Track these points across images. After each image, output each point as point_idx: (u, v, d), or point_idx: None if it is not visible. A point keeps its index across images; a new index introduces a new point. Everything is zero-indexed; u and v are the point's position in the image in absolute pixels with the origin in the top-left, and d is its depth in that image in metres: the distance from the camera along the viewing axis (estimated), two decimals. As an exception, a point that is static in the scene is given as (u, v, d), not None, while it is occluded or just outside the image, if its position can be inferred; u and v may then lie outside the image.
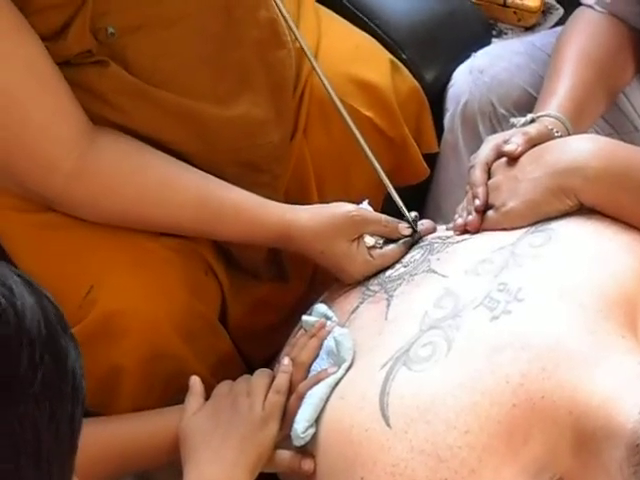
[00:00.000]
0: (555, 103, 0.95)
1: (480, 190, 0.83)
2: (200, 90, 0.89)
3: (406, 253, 0.86)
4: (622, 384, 0.57)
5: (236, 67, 0.92)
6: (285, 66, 0.97)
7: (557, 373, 0.59)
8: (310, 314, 0.84)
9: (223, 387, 0.80)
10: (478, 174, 0.85)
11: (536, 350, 0.61)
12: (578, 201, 0.76)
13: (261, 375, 0.79)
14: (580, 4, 1.09)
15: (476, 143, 1.15)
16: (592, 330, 0.62)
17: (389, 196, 1.05)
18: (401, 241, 0.88)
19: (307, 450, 0.71)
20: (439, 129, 1.17)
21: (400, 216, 0.91)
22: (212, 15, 0.89)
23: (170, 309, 0.84)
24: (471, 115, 1.13)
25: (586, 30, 1.04)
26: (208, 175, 0.87)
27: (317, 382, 0.73)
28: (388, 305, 0.75)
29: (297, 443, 0.72)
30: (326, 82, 0.94)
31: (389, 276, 0.80)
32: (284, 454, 0.73)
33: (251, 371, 0.90)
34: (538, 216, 0.77)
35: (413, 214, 0.90)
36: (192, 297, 0.88)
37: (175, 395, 0.85)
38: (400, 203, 0.92)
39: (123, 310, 0.81)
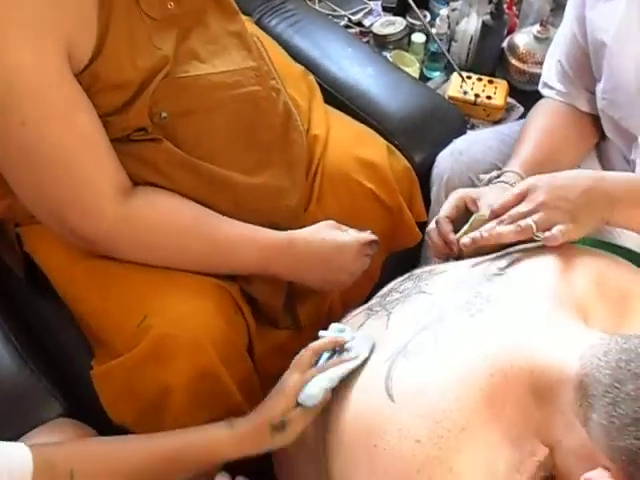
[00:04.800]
0: (517, 162, 1.07)
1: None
2: (232, 163, 0.99)
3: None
4: (569, 347, 0.66)
5: (260, 145, 1.03)
6: (297, 145, 1.08)
7: (521, 347, 0.68)
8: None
9: None
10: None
11: (504, 334, 0.70)
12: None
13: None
14: (538, 99, 1.22)
15: (459, 212, 1.27)
16: (548, 316, 0.71)
17: (389, 256, 1.16)
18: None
19: (327, 440, 0.76)
20: (427, 202, 1.26)
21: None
22: (243, 105, 1.00)
23: (211, 334, 0.90)
24: (453, 188, 1.18)
25: (546, 113, 1.17)
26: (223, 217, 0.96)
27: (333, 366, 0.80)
28: (388, 319, 0.83)
29: (308, 402, 0.78)
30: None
31: (388, 300, 0.89)
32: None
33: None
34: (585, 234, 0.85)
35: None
36: (228, 327, 0.94)
37: (215, 418, 0.87)
38: None
39: (173, 334, 0.88)
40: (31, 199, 0.89)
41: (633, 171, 1.14)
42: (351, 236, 1.03)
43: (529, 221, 0.84)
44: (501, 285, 0.77)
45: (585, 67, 1.11)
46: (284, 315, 1.11)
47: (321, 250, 1.00)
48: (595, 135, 1.17)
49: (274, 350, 1.09)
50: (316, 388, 0.78)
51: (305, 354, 0.83)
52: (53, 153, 0.83)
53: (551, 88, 1.18)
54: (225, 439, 0.80)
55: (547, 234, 0.82)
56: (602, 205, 0.85)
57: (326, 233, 1.01)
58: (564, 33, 1.15)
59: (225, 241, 0.95)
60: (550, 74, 1.19)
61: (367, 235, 1.04)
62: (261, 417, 0.81)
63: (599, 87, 1.09)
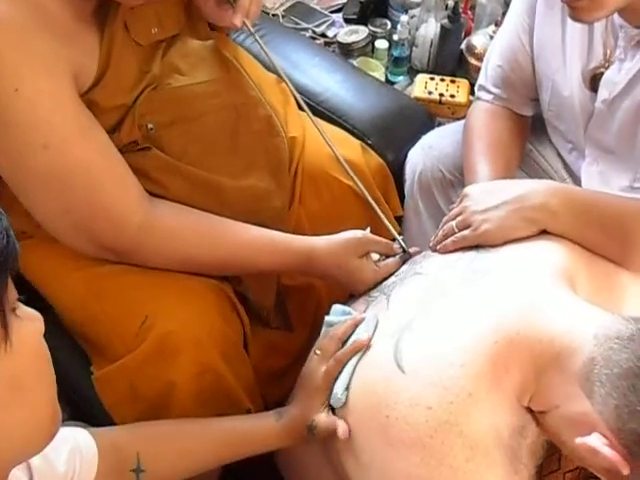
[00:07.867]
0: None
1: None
2: (218, 167, 1.00)
3: (399, 267, 0.96)
4: (577, 320, 0.68)
5: (244, 150, 1.04)
6: (280, 150, 1.09)
7: (525, 316, 0.70)
8: (328, 314, 0.90)
9: None
10: None
11: (506, 303, 0.72)
12: (539, 230, 0.83)
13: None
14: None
15: (433, 204, 1.29)
16: (545, 287, 0.73)
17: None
18: (397, 256, 0.99)
19: (337, 413, 0.77)
20: (401, 196, 1.28)
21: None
22: (224, 113, 1.02)
23: (210, 331, 0.90)
24: (426, 182, 1.25)
25: (487, 117, 1.17)
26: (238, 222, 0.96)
27: (353, 351, 0.79)
28: (388, 301, 0.84)
29: (336, 404, 0.78)
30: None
31: (385, 284, 0.90)
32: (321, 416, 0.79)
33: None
34: (506, 239, 0.83)
35: (401, 237, 1.02)
36: (225, 325, 0.94)
37: (218, 415, 0.88)
38: (392, 229, 1.04)
39: (175, 331, 0.88)
40: (54, 217, 0.87)
41: (569, 174, 1.17)
42: (369, 265, 0.97)
43: (452, 223, 0.91)
44: (496, 259, 0.79)
45: (529, 76, 1.12)
46: (275, 315, 1.12)
47: (337, 273, 0.97)
48: (528, 131, 1.19)
49: (267, 349, 1.09)
50: (340, 391, 0.78)
51: (330, 343, 0.83)
52: (77, 172, 0.84)
53: (489, 92, 1.18)
54: (275, 430, 0.82)
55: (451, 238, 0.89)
56: (528, 211, 0.83)
57: (346, 259, 0.96)
58: (508, 40, 1.13)
59: (245, 245, 0.95)
60: (487, 79, 1.18)
61: (388, 262, 0.98)
62: (301, 415, 0.81)
63: (544, 98, 1.10)
